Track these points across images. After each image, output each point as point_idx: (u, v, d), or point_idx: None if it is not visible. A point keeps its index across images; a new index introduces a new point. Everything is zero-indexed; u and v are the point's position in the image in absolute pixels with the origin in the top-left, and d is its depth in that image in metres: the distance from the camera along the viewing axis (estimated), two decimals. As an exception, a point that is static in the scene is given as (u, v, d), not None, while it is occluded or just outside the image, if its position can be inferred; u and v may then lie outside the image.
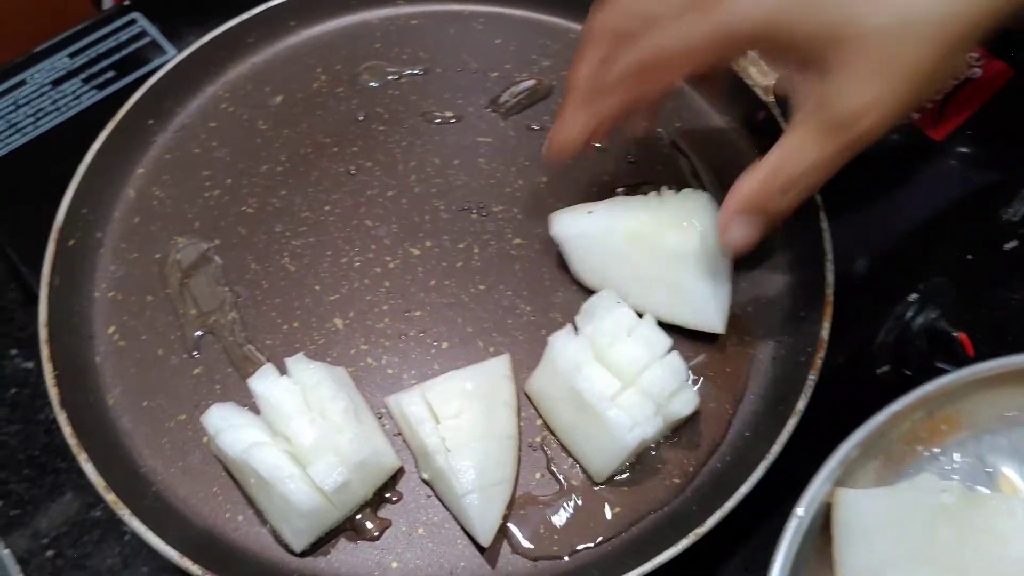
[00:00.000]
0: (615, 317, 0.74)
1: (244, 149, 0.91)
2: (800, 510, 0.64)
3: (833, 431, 0.74)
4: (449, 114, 0.93)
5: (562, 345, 0.74)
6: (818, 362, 0.75)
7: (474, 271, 0.84)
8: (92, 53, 1.11)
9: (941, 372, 0.77)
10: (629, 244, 0.77)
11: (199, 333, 0.81)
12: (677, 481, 0.75)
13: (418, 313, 0.82)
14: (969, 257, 0.96)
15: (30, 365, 0.90)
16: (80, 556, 0.81)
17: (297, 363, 0.72)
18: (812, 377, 0.74)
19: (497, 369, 0.77)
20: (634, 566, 0.67)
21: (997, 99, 1.05)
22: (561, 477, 0.75)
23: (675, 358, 0.72)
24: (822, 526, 0.66)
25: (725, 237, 0.69)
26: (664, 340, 0.73)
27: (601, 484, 0.75)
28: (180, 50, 1.03)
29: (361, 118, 0.93)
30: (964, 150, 1.03)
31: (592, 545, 0.72)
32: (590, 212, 0.78)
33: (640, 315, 0.75)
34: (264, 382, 0.71)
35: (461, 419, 0.71)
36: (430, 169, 0.90)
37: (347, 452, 0.68)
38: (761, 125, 0.91)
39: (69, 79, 1.09)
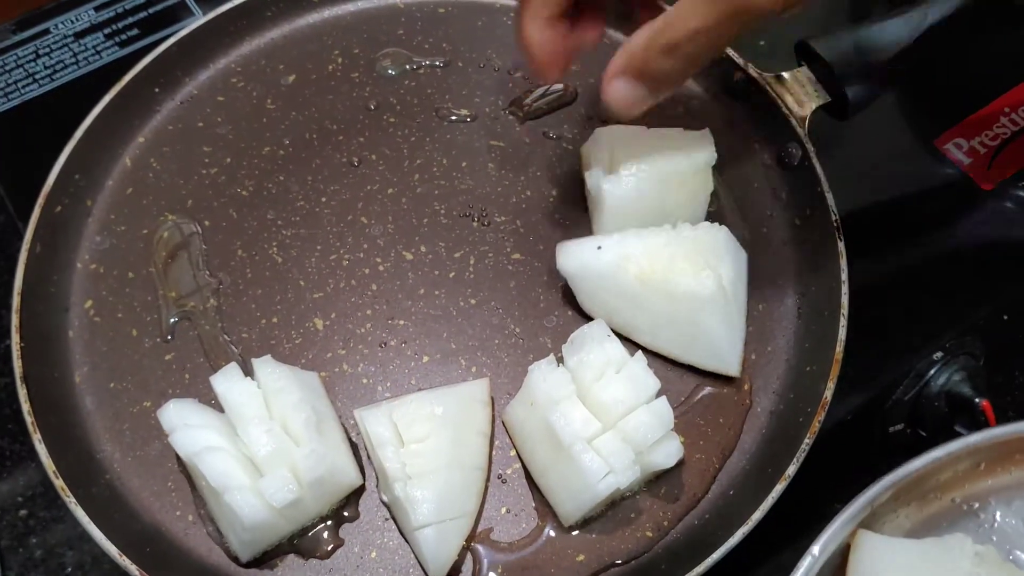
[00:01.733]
0: (604, 351, 0.69)
1: (248, 128, 0.87)
2: (816, 549, 0.59)
3: (830, 488, 0.70)
4: (464, 112, 0.89)
5: (541, 376, 0.69)
6: (816, 425, 0.70)
7: (467, 283, 0.80)
8: (118, 8, 1.08)
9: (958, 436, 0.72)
10: (641, 283, 0.72)
11: (175, 318, 0.78)
12: (650, 535, 0.70)
13: (402, 322, 0.78)
14: (1005, 317, 0.90)
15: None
16: (52, 518, 0.79)
17: (263, 365, 0.69)
18: (808, 441, 0.69)
19: (473, 394, 0.72)
20: (588, 623, 0.63)
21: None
22: (527, 515, 0.71)
23: (662, 404, 0.68)
24: (837, 566, 0.61)
25: (606, 96, 0.68)
26: (652, 382, 0.68)
27: (569, 527, 0.70)
28: (205, 12, 1.00)
29: (372, 107, 0.89)
30: (1010, 205, 0.96)
31: (550, 592, 0.68)
32: (599, 247, 0.74)
33: (637, 350, 0.71)
34: (226, 382, 0.68)
35: (426, 444, 0.68)
36: (436, 169, 0.85)
37: (302, 468, 0.65)
38: (737, 86, 0.87)
39: (92, 33, 1.07)
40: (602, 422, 0.67)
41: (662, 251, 0.73)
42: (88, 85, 1.01)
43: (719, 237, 0.74)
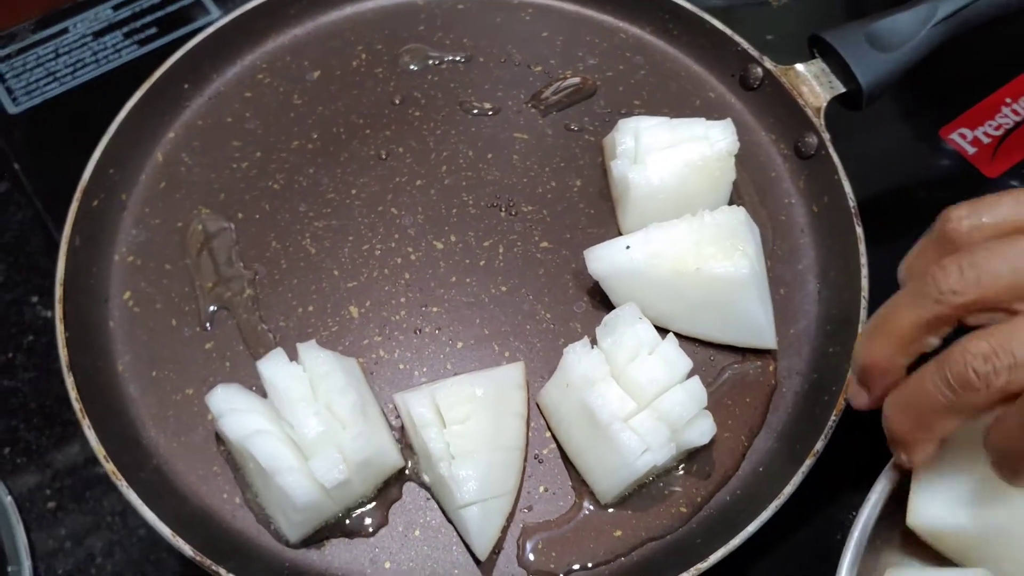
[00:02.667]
0: (636, 333, 0.72)
1: (277, 123, 0.89)
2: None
3: (849, 468, 0.73)
4: (487, 106, 0.91)
5: (577, 358, 0.71)
6: (843, 404, 0.73)
7: (497, 271, 0.82)
8: (136, 7, 1.10)
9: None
10: (675, 275, 0.75)
11: (213, 307, 0.80)
12: (684, 510, 0.73)
13: (435, 309, 0.80)
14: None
15: (49, 314, 0.90)
16: (81, 510, 0.81)
17: (308, 350, 0.71)
18: (835, 418, 0.72)
19: (510, 377, 0.75)
20: (629, 597, 0.66)
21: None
22: (564, 494, 0.73)
23: (695, 383, 0.70)
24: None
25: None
26: (685, 362, 0.71)
27: (605, 505, 0.73)
28: (224, 13, 1.02)
29: (397, 101, 0.91)
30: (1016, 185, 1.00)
31: (589, 566, 0.71)
32: (628, 247, 0.76)
33: (668, 332, 0.73)
34: (273, 366, 0.70)
35: (467, 425, 0.70)
36: (462, 161, 0.87)
37: (350, 449, 0.67)
38: (753, 79, 0.90)
39: (111, 32, 1.08)
40: (637, 402, 0.69)
41: (688, 240, 0.76)
42: (109, 83, 1.03)
43: (739, 218, 0.77)
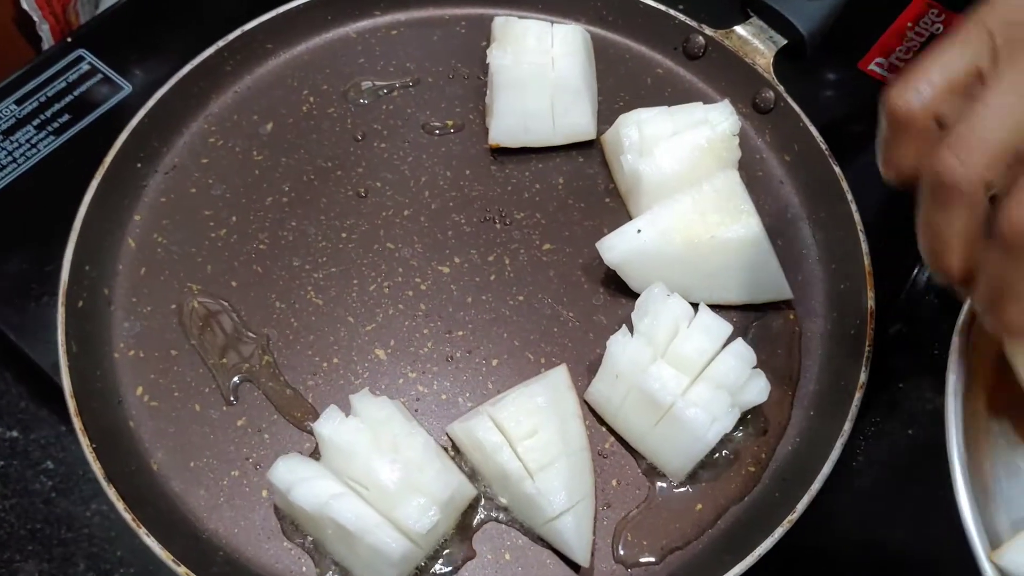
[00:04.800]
0: (670, 309, 0.73)
1: (244, 183, 0.86)
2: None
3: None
4: (449, 123, 0.90)
5: (621, 348, 0.72)
6: (871, 333, 0.76)
7: (509, 282, 0.82)
8: (41, 97, 1.04)
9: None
10: (689, 247, 0.76)
11: (236, 380, 0.77)
12: (752, 469, 0.75)
13: (460, 333, 0.80)
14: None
15: (15, 434, 0.85)
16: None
17: (362, 400, 0.69)
18: (869, 349, 0.75)
19: (558, 380, 0.75)
20: (733, 562, 0.67)
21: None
22: (636, 483, 0.74)
23: (740, 344, 0.72)
24: None
25: None
26: (724, 326, 0.73)
27: (678, 484, 0.74)
28: (134, 85, 0.98)
29: (360, 137, 0.89)
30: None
31: (681, 546, 0.72)
32: (639, 231, 0.77)
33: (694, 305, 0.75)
34: (331, 425, 0.68)
35: (537, 438, 0.69)
36: (442, 183, 0.87)
37: (434, 490, 0.66)
38: (696, 48, 0.92)
39: (21, 127, 1.02)
40: (689, 375, 0.71)
41: (692, 211, 0.78)
42: (36, 178, 0.96)
43: (735, 179, 0.79)
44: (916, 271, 0.92)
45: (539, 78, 0.83)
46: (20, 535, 0.81)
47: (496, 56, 0.84)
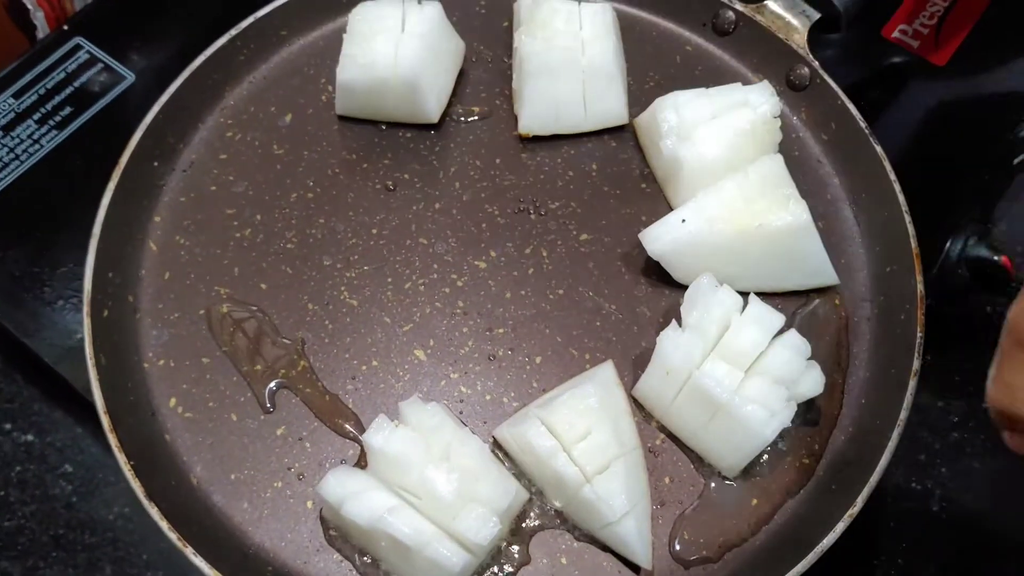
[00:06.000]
0: (721, 301, 0.71)
1: (266, 179, 0.83)
2: None
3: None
4: (476, 110, 0.87)
5: (673, 345, 0.70)
6: (922, 318, 0.74)
7: (548, 276, 0.80)
8: (40, 89, 0.99)
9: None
10: (736, 236, 0.74)
11: (272, 387, 0.75)
12: (807, 462, 0.74)
13: (501, 330, 0.77)
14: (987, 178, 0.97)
15: (30, 437, 0.83)
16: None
17: (413, 407, 0.67)
18: (920, 335, 0.74)
19: (606, 377, 0.73)
20: (796, 559, 0.66)
21: (989, 14, 1.06)
22: (689, 479, 0.73)
23: (794, 335, 0.70)
24: None
25: None
26: (776, 317, 0.71)
27: (732, 479, 0.73)
28: (137, 74, 0.94)
29: (384, 127, 0.86)
30: (969, 72, 1.03)
31: (739, 543, 0.71)
32: (683, 220, 0.75)
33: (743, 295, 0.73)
34: (382, 435, 0.66)
35: (592, 440, 0.68)
36: (473, 173, 0.84)
37: (493, 499, 0.64)
38: (726, 25, 0.90)
39: (21, 122, 0.97)
40: (742, 369, 0.69)
41: (738, 199, 0.75)
42: (40, 176, 0.93)
43: (779, 164, 0.77)
44: (948, 244, 0.90)
45: (570, 64, 0.81)
46: (43, 541, 0.79)
47: (525, 42, 0.81)
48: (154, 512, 0.66)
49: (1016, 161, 0.99)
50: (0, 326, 0.83)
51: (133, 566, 0.78)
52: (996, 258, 0.89)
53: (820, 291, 0.80)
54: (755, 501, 0.72)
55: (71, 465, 0.82)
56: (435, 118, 0.84)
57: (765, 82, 0.80)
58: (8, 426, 0.83)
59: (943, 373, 0.85)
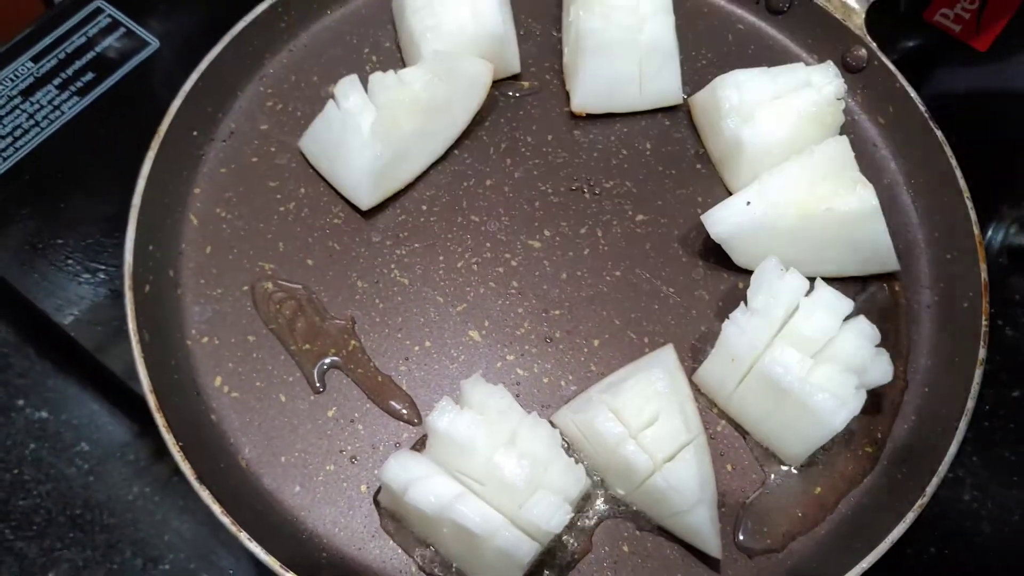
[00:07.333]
0: (788, 285, 0.69)
1: (309, 151, 0.80)
2: None
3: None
4: (526, 85, 0.85)
5: (739, 330, 0.69)
6: (987, 307, 0.73)
7: (604, 257, 0.77)
8: (60, 54, 0.95)
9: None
10: (802, 220, 0.73)
11: (325, 364, 0.72)
12: (870, 450, 0.72)
13: (557, 312, 0.75)
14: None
15: (44, 414, 0.80)
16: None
17: (476, 387, 0.65)
18: (986, 323, 0.73)
19: (669, 361, 0.71)
20: (865, 550, 0.65)
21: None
22: (751, 467, 0.71)
23: (862, 322, 0.69)
24: None
25: None
26: (845, 303, 0.69)
27: (795, 467, 0.71)
28: (161, 39, 0.91)
29: (429, 99, 0.83)
30: (1009, 58, 1.02)
31: (804, 533, 0.69)
32: (748, 203, 0.73)
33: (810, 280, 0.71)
34: (447, 419, 0.63)
35: (660, 427, 0.66)
36: (524, 149, 0.81)
37: (565, 487, 0.62)
38: (780, 2, 0.88)
39: (41, 87, 0.93)
40: (811, 355, 0.67)
41: (802, 182, 0.74)
42: (63, 144, 0.89)
43: (845, 146, 0.75)
44: (990, 233, 0.89)
45: (628, 42, 0.78)
46: (59, 522, 0.76)
47: (583, 18, 0.78)
48: (206, 495, 0.64)
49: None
50: (11, 298, 0.79)
51: (154, 548, 0.75)
52: (1035, 248, 0.88)
53: (878, 277, 0.78)
54: (819, 489, 0.71)
55: (87, 443, 0.79)
56: (519, 69, 0.82)
57: (829, 62, 0.78)
58: (21, 402, 0.80)
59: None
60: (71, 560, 0.76)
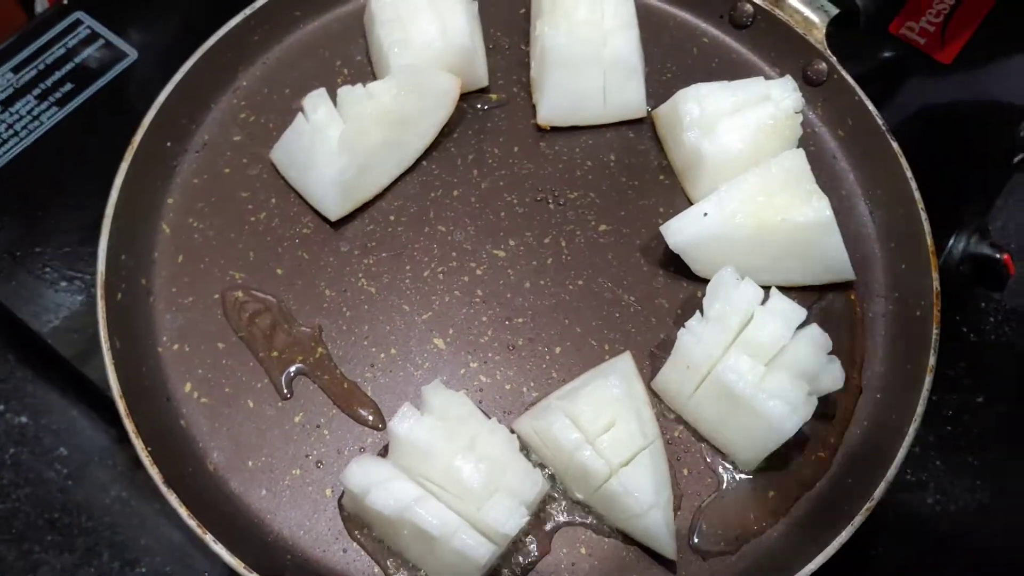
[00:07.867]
0: (743, 294, 0.71)
1: (280, 162, 0.82)
2: None
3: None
4: (494, 98, 0.87)
5: (694, 339, 0.71)
6: (938, 315, 0.75)
7: (567, 266, 0.79)
8: (39, 64, 0.97)
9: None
10: (758, 230, 0.74)
11: (290, 373, 0.74)
12: (823, 455, 0.74)
13: (520, 320, 0.77)
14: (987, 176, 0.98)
15: (24, 420, 0.82)
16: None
17: (437, 393, 0.66)
18: (936, 332, 0.75)
19: (626, 369, 0.73)
20: (814, 552, 0.67)
21: (995, 12, 1.07)
22: (705, 471, 0.73)
23: (814, 329, 0.71)
24: None
25: None
26: (798, 311, 0.71)
27: (748, 472, 0.73)
28: (139, 51, 0.92)
29: (400, 112, 0.85)
30: (973, 70, 1.04)
31: (757, 536, 0.71)
32: (705, 214, 0.75)
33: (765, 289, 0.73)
34: (407, 424, 0.65)
35: (616, 432, 0.68)
36: (491, 160, 0.83)
37: (522, 490, 0.64)
38: (744, 17, 0.90)
39: (20, 98, 0.95)
40: (763, 362, 0.69)
41: (759, 193, 0.76)
42: (42, 154, 0.91)
43: (800, 159, 0.77)
44: (951, 242, 0.91)
45: (593, 56, 0.80)
46: (38, 525, 0.78)
47: (548, 34, 0.80)
48: (173, 499, 0.66)
49: (1016, 160, 1.00)
50: (-5, 305, 0.81)
51: (131, 551, 0.77)
52: (998, 256, 0.90)
53: (835, 286, 0.80)
54: (772, 493, 0.73)
55: (66, 448, 0.81)
56: (487, 82, 0.84)
57: (788, 77, 0.80)
58: (1, 407, 0.82)
59: (937, 368, 0.87)
60: (49, 563, 0.77)
